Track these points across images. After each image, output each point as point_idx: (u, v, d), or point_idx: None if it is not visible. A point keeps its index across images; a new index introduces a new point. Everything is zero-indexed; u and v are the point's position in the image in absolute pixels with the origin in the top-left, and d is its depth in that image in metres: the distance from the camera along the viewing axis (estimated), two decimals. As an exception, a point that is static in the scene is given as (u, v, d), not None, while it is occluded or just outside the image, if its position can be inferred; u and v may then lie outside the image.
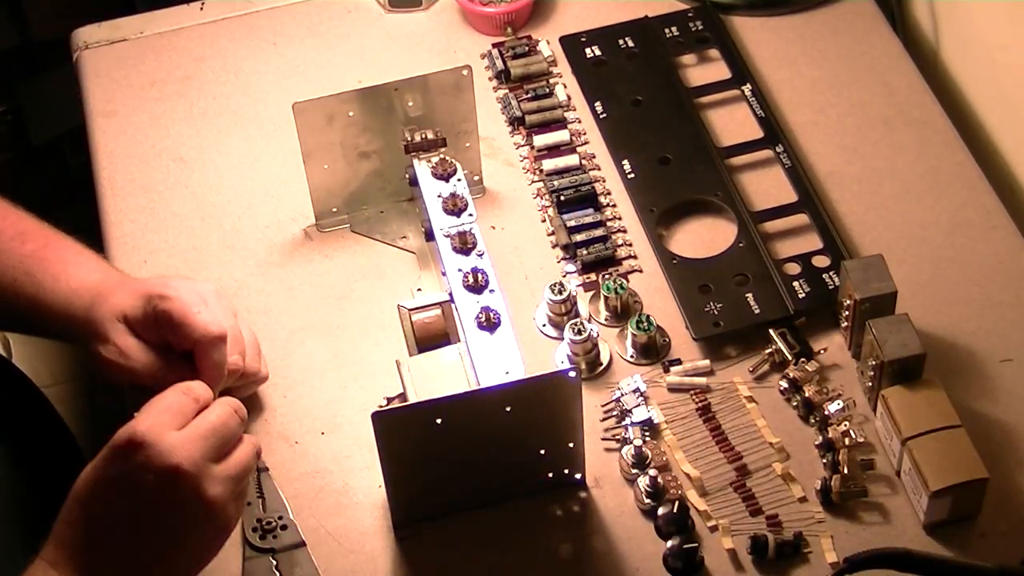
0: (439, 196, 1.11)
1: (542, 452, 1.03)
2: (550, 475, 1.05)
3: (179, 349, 1.04)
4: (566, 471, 1.05)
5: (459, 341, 1.07)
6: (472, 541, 1.04)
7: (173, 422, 0.93)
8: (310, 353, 1.15)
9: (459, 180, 1.12)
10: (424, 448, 0.99)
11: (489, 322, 1.04)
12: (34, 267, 1.07)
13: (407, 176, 1.18)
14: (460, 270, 1.07)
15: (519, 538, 1.04)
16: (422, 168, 1.14)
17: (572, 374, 0.97)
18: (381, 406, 1.06)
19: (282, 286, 1.19)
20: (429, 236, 1.12)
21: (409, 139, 1.16)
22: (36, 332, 1.15)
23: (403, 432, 0.97)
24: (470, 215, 1.10)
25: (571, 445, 1.03)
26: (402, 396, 1.07)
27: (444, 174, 1.13)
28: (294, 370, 1.14)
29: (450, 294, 1.08)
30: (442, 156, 1.14)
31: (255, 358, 1.09)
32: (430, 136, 1.16)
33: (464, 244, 1.08)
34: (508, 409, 0.98)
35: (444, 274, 1.09)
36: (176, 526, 0.92)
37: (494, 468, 1.03)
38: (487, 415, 0.98)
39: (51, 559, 0.90)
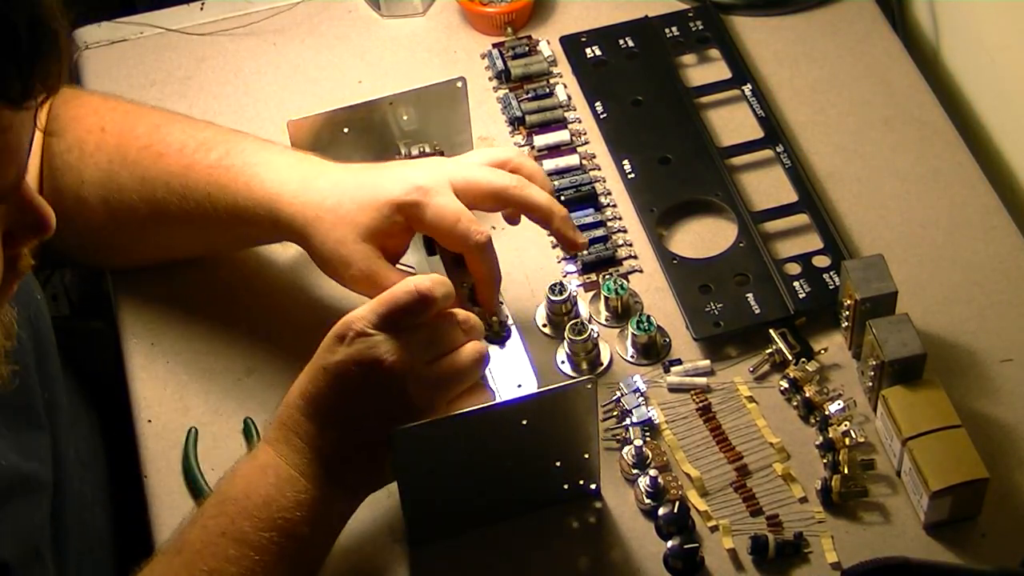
0: None
1: (557, 464, 1.02)
2: (565, 487, 1.05)
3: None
4: (581, 482, 1.05)
5: None
6: (479, 549, 1.04)
7: (391, 321, 0.95)
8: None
9: None
10: (440, 465, 0.98)
11: (497, 335, 1.04)
12: (223, 177, 1.07)
13: None
14: (464, 284, 1.07)
15: (525, 546, 1.04)
16: None
17: (588, 385, 0.97)
18: None
19: (283, 286, 1.19)
20: (430, 251, 1.12)
21: (405, 153, 1.16)
22: (243, 242, 1.16)
23: (419, 449, 0.97)
24: None
25: (586, 456, 1.03)
26: None
27: None
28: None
29: None
30: None
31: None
32: (427, 150, 1.16)
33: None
34: (524, 422, 0.97)
35: None
36: (380, 413, 0.95)
37: (510, 482, 1.02)
38: (503, 429, 0.98)
39: (269, 438, 0.97)
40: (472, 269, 1.06)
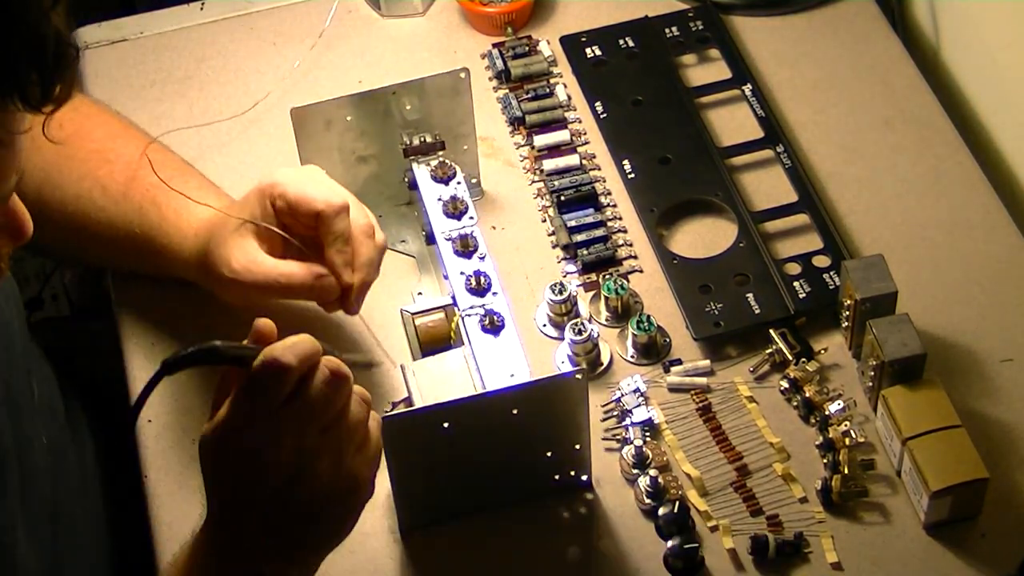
0: (439, 200, 1.12)
1: (548, 454, 1.03)
2: (556, 477, 1.05)
3: (306, 233, 1.05)
4: (572, 473, 1.05)
5: (463, 344, 1.07)
6: (473, 541, 1.05)
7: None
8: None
9: (459, 183, 1.13)
10: (431, 452, 0.99)
11: (493, 325, 1.04)
12: (159, 198, 1.10)
13: (406, 180, 1.18)
14: (462, 273, 1.07)
15: (521, 539, 1.05)
16: (421, 172, 1.14)
17: (578, 376, 0.97)
18: (386, 411, 1.06)
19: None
20: (430, 240, 1.13)
21: (408, 143, 1.16)
22: (152, 270, 1.15)
23: (411, 437, 0.97)
24: (471, 218, 1.10)
25: (577, 447, 1.03)
26: (407, 400, 1.07)
27: (444, 177, 1.13)
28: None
29: (453, 297, 1.08)
30: (441, 159, 1.14)
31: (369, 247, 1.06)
32: (428, 139, 1.16)
33: (466, 247, 1.09)
34: (515, 412, 0.98)
35: (446, 277, 1.09)
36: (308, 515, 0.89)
37: (501, 471, 1.03)
38: (494, 418, 0.98)
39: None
40: (324, 239, 1.04)
